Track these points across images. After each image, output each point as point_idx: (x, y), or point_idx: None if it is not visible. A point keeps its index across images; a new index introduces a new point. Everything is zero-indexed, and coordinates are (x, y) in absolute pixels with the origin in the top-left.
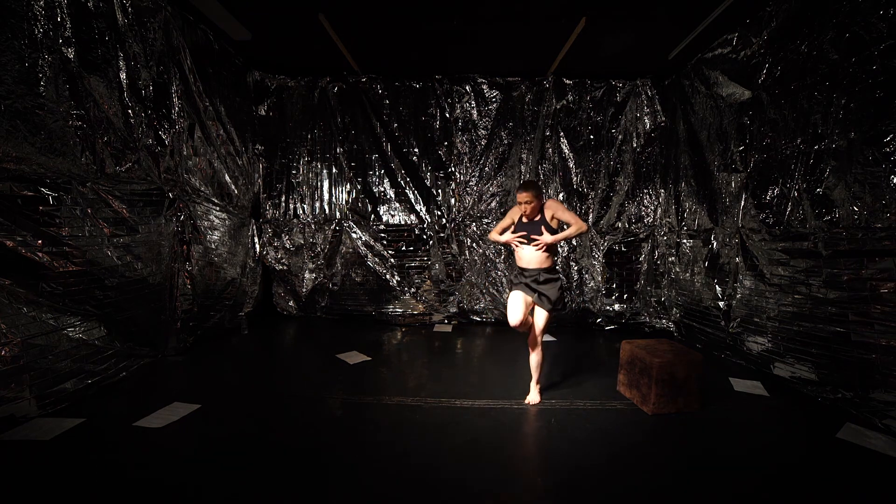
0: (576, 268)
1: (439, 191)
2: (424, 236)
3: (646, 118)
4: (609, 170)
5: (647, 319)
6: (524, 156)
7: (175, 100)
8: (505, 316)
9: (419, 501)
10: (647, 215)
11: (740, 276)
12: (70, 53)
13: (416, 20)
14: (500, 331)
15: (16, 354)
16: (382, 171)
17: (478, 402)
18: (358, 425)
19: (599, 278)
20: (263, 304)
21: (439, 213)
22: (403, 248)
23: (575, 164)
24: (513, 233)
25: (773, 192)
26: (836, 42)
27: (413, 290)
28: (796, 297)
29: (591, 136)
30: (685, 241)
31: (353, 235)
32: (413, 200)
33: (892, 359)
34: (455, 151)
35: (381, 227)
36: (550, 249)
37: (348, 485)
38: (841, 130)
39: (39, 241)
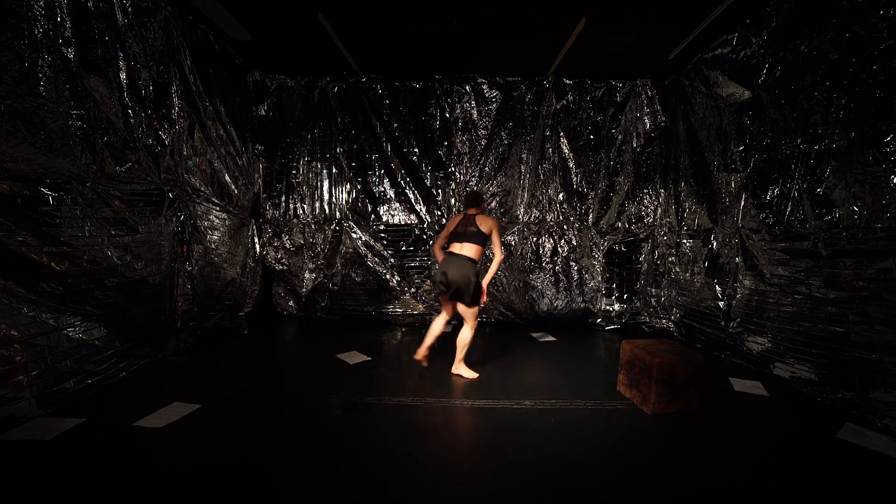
0: (576, 268)
1: (439, 191)
2: (424, 236)
3: (646, 118)
4: (609, 170)
5: (647, 319)
6: (524, 156)
7: (175, 100)
8: (505, 316)
9: (419, 501)
10: (647, 215)
11: (740, 276)
12: (70, 53)
13: (416, 20)
14: (499, 331)
15: (16, 354)
16: (382, 171)
17: (478, 402)
18: (358, 425)
19: (599, 278)
20: (263, 304)
21: (439, 213)
22: (403, 248)
23: (575, 164)
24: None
25: (773, 192)
26: (836, 42)
27: (413, 290)
28: (796, 297)
29: (591, 136)
30: (685, 241)
31: (353, 235)
32: (413, 200)
33: (892, 359)
34: (455, 151)
35: (381, 227)
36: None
37: (348, 485)
38: (841, 130)
39: (39, 241)
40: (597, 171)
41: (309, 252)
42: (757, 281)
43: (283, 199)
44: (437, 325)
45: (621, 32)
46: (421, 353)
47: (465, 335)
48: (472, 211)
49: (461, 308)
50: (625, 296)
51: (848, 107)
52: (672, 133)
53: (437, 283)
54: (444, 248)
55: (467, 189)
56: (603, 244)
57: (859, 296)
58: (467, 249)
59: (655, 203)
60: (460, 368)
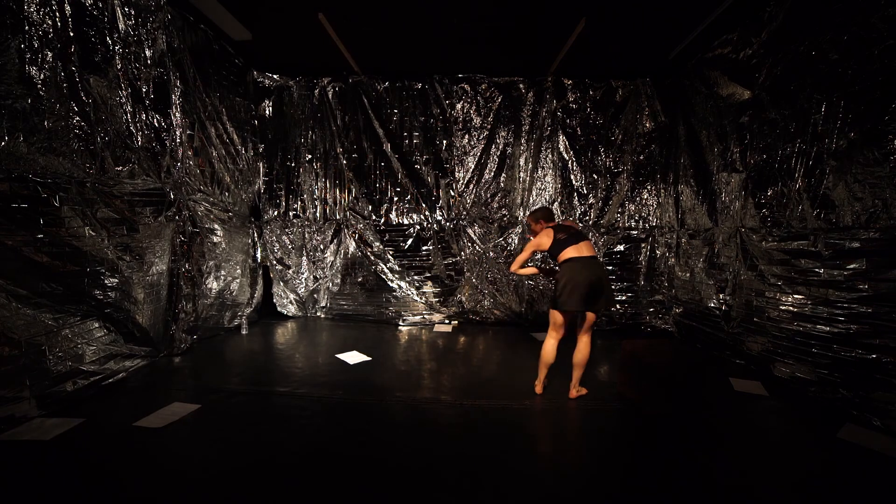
0: None
1: (439, 191)
2: (424, 236)
3: (646, 118)
4: (609, 170)
5: (647, 319)
6: (524, 156)
7: (175, 100)
8: (506, 315)
9: (419, 500)
10: (648, 215)
11: (740, 276)
12: (70, 53)
13: (415, 20)
14: (500, 331)
15: (16, 354)
16: (382, 171)
17: (478, 402)
18: (358, 425)
19: None
20: (263, 304)
21: (439, 212)
22: (403, 247)
23: (575, 164)
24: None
25: (773, 192)
26: (835, 42)
27: (413, 290)
28: (796, 297)
29: (592, 136)
30: (685, 241)
31: (353, 235)
32: (413, 200)
33: (892, 359)
34: (455, 151)
35: (381, 226)
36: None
37: (347, 485)
38: (841, 130)
39: (39, 241)
40: (597, 171)
41: (309, 252)
42: (757, 281)
43: (282, 199)
44: (551, 352)
45: (621, 32)
46: (539, 386)
47: (585, 352)
48: (552, 223)
49: (592, 315)
50: (625, 296)
51: (848, 107)
52: (672, 133)
53: (580, 294)
54: (527, 263)
55: (547, 207)
56: (603, 244)
57: (859, 296)
58: (585, 248)
59: (655, 203)
60: (579, 389)
